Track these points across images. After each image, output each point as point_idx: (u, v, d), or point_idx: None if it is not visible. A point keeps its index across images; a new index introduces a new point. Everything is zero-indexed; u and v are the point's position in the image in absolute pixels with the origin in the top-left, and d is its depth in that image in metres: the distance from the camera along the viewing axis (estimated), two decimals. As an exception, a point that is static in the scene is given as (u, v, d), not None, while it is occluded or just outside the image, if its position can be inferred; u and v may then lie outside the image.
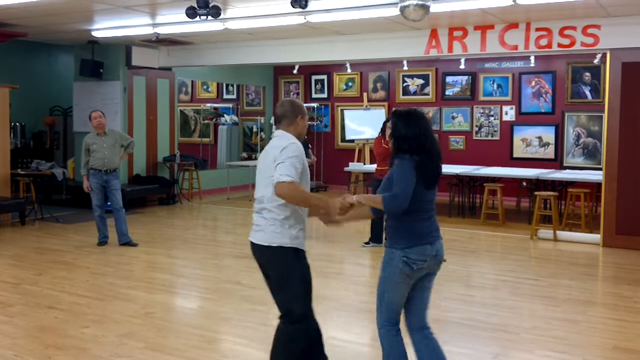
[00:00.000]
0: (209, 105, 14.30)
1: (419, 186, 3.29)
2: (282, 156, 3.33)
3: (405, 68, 11.77)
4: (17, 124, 11.68)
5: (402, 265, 3.27)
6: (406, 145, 3.38)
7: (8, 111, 9.60)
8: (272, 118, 14.18)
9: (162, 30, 9.33)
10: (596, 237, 8.09)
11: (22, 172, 10.07)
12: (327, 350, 4.36)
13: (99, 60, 11.00)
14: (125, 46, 11.02)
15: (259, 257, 3.53)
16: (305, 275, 3.46)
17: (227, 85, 14.65)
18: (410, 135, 3.39)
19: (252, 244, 3.52)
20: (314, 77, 13.89)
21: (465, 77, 12.12)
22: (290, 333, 3.44)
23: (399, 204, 3.22)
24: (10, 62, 11.29)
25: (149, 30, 9.35)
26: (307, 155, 8.07)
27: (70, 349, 4.30)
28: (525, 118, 11.65)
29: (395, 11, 7.05)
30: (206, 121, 14.26)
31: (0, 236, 8.49)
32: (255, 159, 14.06)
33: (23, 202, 9.32)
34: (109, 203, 7.70)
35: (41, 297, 5.53)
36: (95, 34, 9.83)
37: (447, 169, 10.59)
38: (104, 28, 9.52)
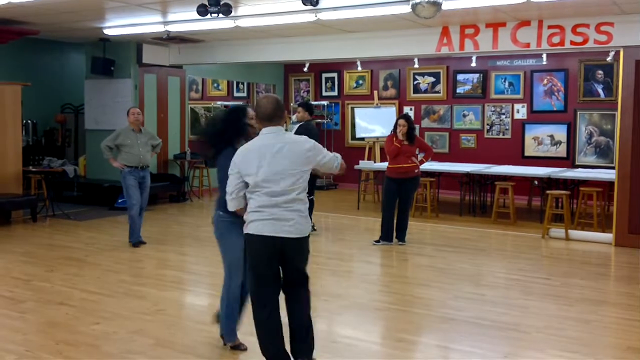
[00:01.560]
0: (219, 103, 14.29)
1: None
2: (319, 149, 3.77)
3: (416, 66, 11.71)
4: (29, 121, 11.72)
5: (224, 223, 4.05)
6: (226, 136, 4.10)
7: (20, 109, 9.65)
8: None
9: (173, 28, 9.34)
10: (608, 236, 8.02)
11: (34, 169, 10.12)
12: (339, 348, 4.37)
13: (110, 58, 11.03)
14: (136, 44, 11.05)
15: (288, 250, 3.66)
16: None
17: (237, 83, 14.66)
18: (226, 128, 4.13)
19: (283, 239, 3.61)
20: (324, 75, 13.87)
21: (477, 75, 12.05)
22: (309, 291, 3.86)
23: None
24: (22, 60, 11.34)
25: (160, 28, 9.37)
26: None
27: (81, 345, 4.31)
28: (537, 116, 11.57)
29: (406, 8, 7.02)
30: (216, 119, 14.26)
31: (12, 233, 8.54)
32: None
33: (35, 199, 9.37)
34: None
35: (52, 294, 5.56)
36: (106, 31, 9.86)
37: (458, 167, 10.56)
38: (116, 26, 9.55)
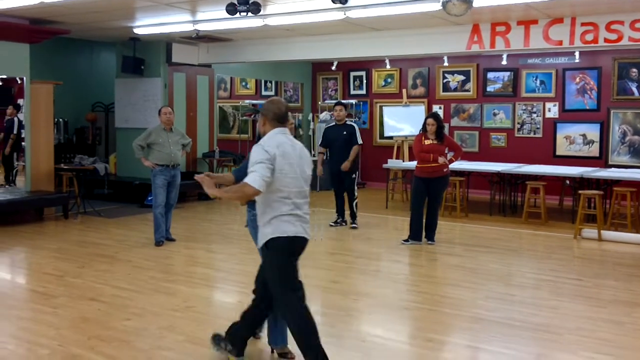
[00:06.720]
0: (247, 101, 14.38)
1: None
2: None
3: (446, 64, 11.62)
4: (61, 119, 11.91)
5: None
6: None
7: (52, 107, 9.81)
8: (310, 115, 14.20)
9: (202, 27, 9.41)
10: (643, 237, 7.87)
11: (66, 167, 10.27)
12: (369, 347, 4.35)
13: (140, 57, 11.15)
14: (165, 43, 11.15)
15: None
16: None
17: (265, 82, 14.71)
18: None
19: (306, 239, 3.75)
20: (352, 74, 13.84)
21: (507, 73, 11.91)
22: None
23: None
24: (54, 59, 11.52)
25: (189, 27, 9.44)
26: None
27: (112, 341, 4.36)
28: (569, 115, 11.40)
29: (436, 6, 6.96)
30: (244, 117, 14.33)
31: (45, 230, 8.68)
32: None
33: (66, 197, 9.51)
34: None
35: (84, 290, 5.63)
36: (136, 31, 9.97)
37: (488, 166, 10.44)
38: (145, 25, 9.65)
